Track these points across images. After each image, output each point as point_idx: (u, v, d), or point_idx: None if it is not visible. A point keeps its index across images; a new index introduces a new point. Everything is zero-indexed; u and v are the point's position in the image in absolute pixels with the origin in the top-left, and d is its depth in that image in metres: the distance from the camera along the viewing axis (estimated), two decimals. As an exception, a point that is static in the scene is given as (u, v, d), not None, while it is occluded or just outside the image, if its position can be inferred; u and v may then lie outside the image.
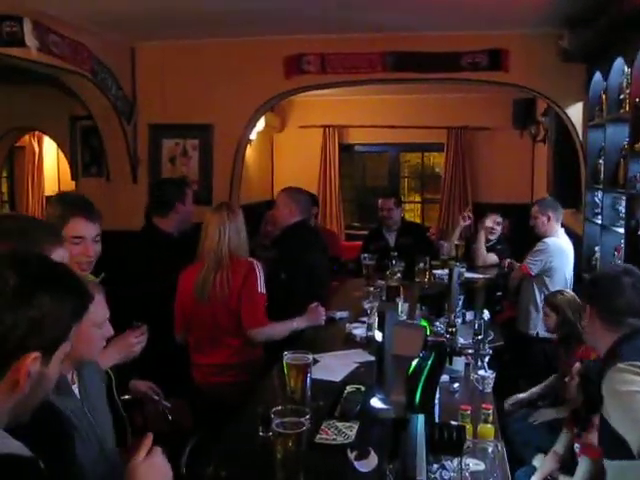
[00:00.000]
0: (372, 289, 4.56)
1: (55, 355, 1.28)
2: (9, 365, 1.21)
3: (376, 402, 2.73)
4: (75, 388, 2.13)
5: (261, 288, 3.65)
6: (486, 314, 4.11)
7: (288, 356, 2.72)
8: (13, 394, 1.24)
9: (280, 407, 2.01)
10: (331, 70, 6.23)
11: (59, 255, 1.68)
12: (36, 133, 9.95)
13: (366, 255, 5.56)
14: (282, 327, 3.71)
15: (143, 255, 4.15)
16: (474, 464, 2.37)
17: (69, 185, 9.31)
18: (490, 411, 2.80)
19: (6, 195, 10.23)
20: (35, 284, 1.22)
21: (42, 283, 1.24)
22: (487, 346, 3.56)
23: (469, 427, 2.61)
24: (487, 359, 3.44)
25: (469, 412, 2.75)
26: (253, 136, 8.00)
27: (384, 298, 4.56)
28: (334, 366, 3.35)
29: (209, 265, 3.65)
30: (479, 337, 3.66)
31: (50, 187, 10.72)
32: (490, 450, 2.50)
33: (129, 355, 2.76)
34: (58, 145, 8.88)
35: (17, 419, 1.28)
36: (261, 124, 7.92)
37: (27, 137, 10.01)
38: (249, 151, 8.05)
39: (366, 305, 4.23)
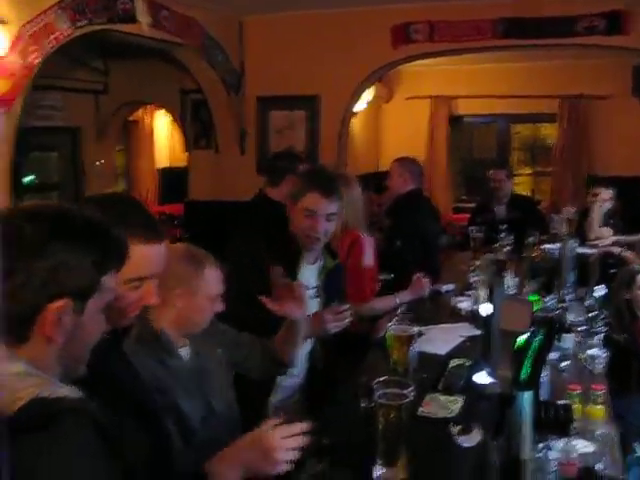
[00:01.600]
0: (479, 262, 4.47)
1: (88, 306, 1.29)
2: (35, 315, 1.23)
3: (481, 377, 2.68)
4: (183, 350, 2.22)
5: (367, 261, 3.63)
6: (600, 290, 3.95)
7: (392, 327, 2.71)
8: (50, 345, 1.26)
9: (383, 378, 2.00)
10: (439, 38, 6.11)
11: (155, 251, 1.68)
12: (149, 107, 10.24)
13: (473, 228, 5.45)
14: (385, 303, 3.68)
15: (252, 223, 4.24)
16: (582, 446, 2.29)
17: (181, 158, 9.58)
18: (601, 392, 2.68)
19: (121, 168, 10.58)
20: (49, 234, 1.23)
21: (56, 233, 1.24)
22: (600, 324, 3.43)
23: (578, 407, 2.52)
24: (600, 337, 3.31)
25: (578, 392, 2.66)
26: (360, 107, 7.96)
27: (491, 272, 4.46)
28: (439, 339, 3.31)
29: None
30: (591, 314, 3.52)
31: (162, 160, 11.04)
32: (599, 432, 2.41)
33: (320, 332, 2.82)
34: (170, 118, 9.13)
35: (69, 372, 1.32)
36: (368, 95, 7.86)
37: (140, 111, 10.31)
38: (355, 122, 8.02)
39: (473, 279, 4.16)
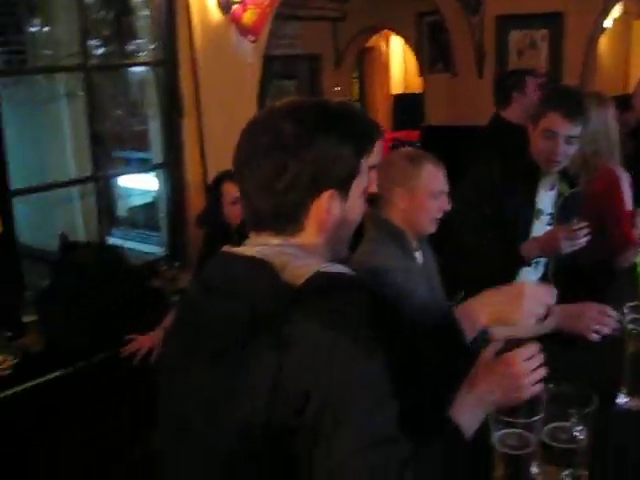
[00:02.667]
0: None
1: (351, 192, 1.37)
2: (308, 206, 1.32)
3: None
4: (417, 254, 2.33)
5: (627, 205, 3.40)
6: None
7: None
8: (320, 233, 1.35)
9: (634, 303, 1.91)
10: None
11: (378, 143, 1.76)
12: (384, 33, 10.26)
13: None
14: None
15: (489, 147, 4.18)
16: None
17: (415, 83, 9.55)
18: None
19: (356, 95, 10.77)
20: (312, 129, 1.29)
21: (318, 127, 1.30)
22: None
23: None
24: None
25: None
26: (608, 24, 7.42)
27: None
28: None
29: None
30: None
31: (396, 86, 11.08)
32: None
33: (552, 251, 2.77)
34: (406, 42, 9.08)
35: (335, 255, 1.41)
36: (615, 11, 7.30)
37: (375, 38, 10.37)
38: (602, 41, 7.49)
39: None
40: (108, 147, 5.07)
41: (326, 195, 1.32)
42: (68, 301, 3.20)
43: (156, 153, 4.51)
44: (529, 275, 3.01)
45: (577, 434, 1.48)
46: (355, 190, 1.38)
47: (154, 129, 4.49)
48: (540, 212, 2.98)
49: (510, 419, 1.37)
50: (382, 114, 10.73)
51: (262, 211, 1.34)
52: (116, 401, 3.03)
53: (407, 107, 10.16)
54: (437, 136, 7.07)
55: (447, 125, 6.91)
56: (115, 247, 4.15)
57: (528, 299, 1.62)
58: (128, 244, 4.59)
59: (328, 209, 1.33)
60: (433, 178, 2.26)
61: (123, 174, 5.24)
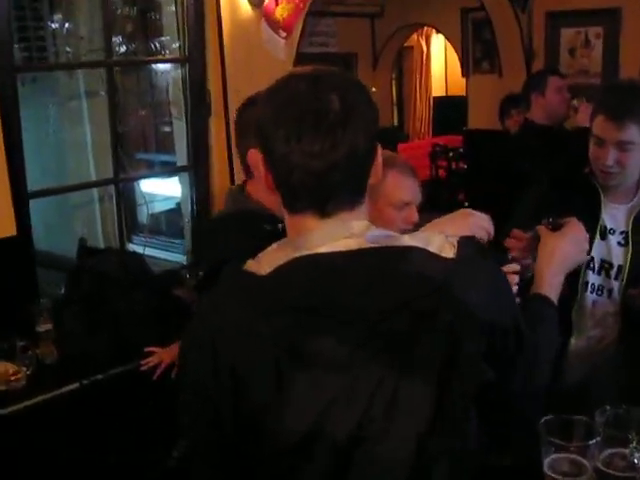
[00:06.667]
0: None
1: None
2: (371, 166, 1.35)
3: None
4: None
5: None
6: None
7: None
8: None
9: None
10: None
11: None
12: (424, 31, 10.27)
13: None
14: None
15: (516, 150, 4.24)
16: None
17: (458, 84, 9.51)
18: None
19: (394, 97, 10.75)
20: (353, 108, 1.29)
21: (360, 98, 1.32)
22: None
23: None
24: None
25: None
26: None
27: None
28: None
29: None
30: None
31: (437, 88, 11.05)
32: None
33: None
34: (448, 40, 9.05)
35: None
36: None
37: (415, 36, 10.36)
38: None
39: None
40: (131, 149, 5.11)
41: (379, 149, 1.36)
42: (85, 310, 3.22)
43: (181, 155, 4.52)
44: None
45: (636, 461, 1.44)
46: None
47: (179, 130, 4.51)
48: (608, 230, 2.64)
49: (563, 442, 1.32)
50: (422, 118, 10.71)
51: (336, 185, 1.28)
52: (132, 418, 3.03)
53: (449, 110, 10.11)
54: (481, 141, 7.01)
55: (492, 129, 6.84)
56: (136, 254, 4.17)
57: (473, 218, 1.76)
58: (149, 251, 4.61)
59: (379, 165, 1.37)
60: (395, 187, 2.16)
61: (146, 177, 5.26)
